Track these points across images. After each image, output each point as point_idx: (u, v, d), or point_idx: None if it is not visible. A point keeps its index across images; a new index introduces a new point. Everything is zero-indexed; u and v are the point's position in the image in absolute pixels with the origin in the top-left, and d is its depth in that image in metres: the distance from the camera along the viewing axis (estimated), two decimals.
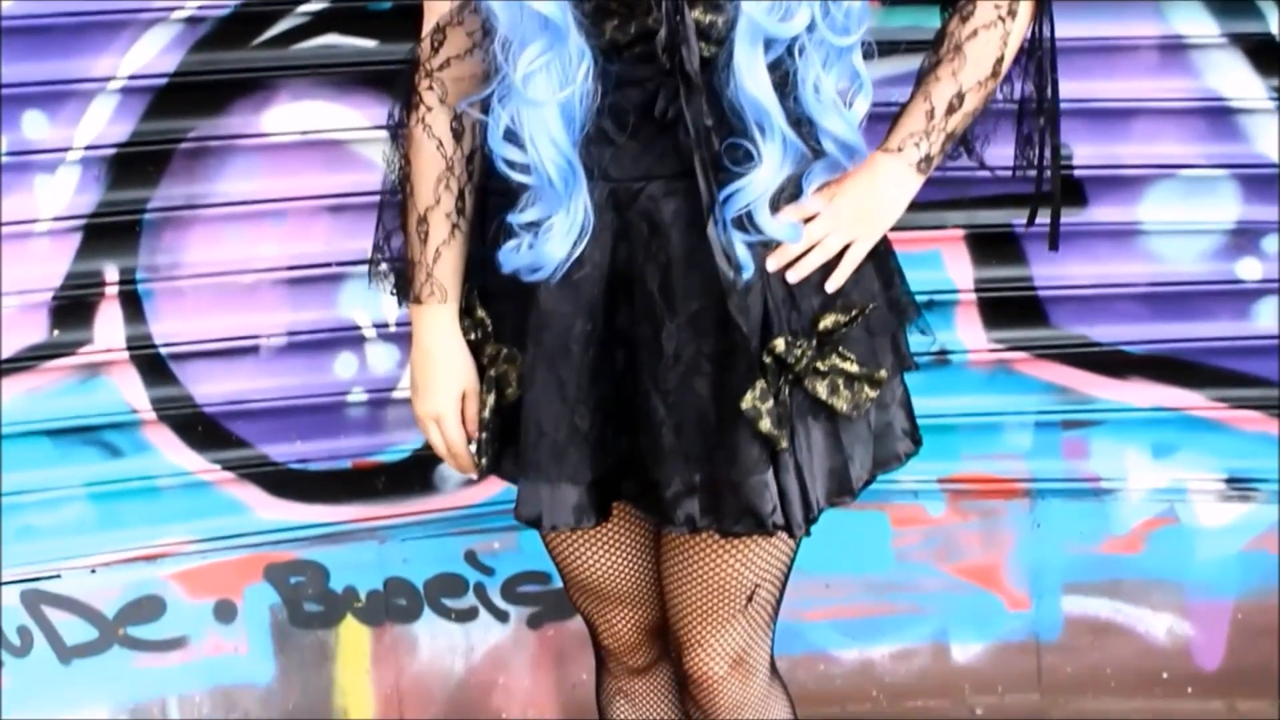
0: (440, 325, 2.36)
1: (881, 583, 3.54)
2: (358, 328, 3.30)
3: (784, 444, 2.22)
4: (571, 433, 2.30)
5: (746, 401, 2.21)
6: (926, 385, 3.20)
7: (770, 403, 2.21)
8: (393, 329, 3.30)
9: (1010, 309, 3.33)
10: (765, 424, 2.21)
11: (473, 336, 2.36)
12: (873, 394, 2.30)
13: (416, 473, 3.43)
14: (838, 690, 3.59)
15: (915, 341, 2.45)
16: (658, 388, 2.25)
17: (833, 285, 2.28)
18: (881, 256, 2.36)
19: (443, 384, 2.38)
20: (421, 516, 3.46)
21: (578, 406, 2.29)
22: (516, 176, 2.20)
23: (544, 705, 3.61)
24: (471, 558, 3.50)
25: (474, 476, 2.46)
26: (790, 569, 2.48)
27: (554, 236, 2.21)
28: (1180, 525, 3.46)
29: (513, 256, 2.24)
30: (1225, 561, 3.46)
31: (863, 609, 3.55)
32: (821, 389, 2.26)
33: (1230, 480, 3.43)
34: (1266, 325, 3.28)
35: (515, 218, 2.23)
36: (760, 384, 2.21)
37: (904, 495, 3.44)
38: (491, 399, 2.35)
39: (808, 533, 2.29)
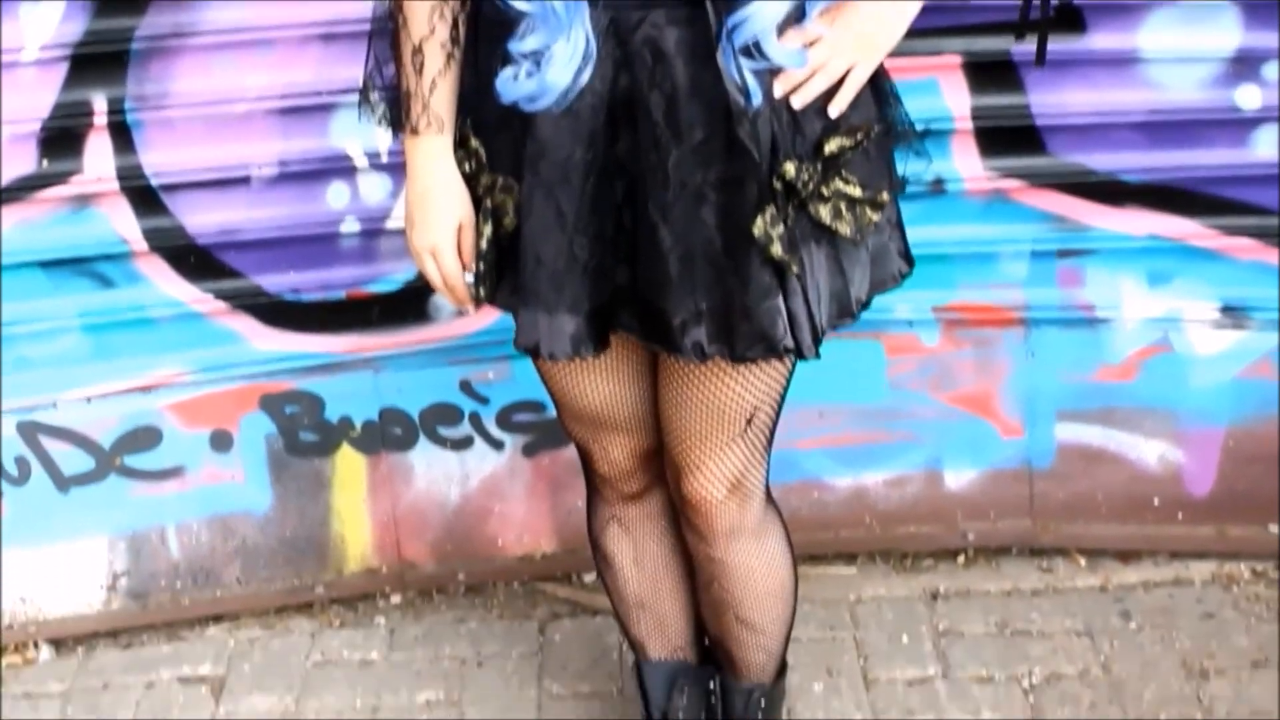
0: (436, 156, 2.35)
1: (876, 411, 3.56)
2: (349, 157, 3.27)
3: (795, 268, 2.24)
4: (570, 262, 2.30)
5: (758, 228, 2.22)
6: (922, 214, 3.20)
7: (780, 228, 2.22)
8: (385, 159, 3.27)
9: (1007, 137, 3.29)
10: (776, 249, 2.22)
11: (467, 168, 2.34)
12: (875, 217, 2.31)
13: (410, 303, 3.42)
14: (831, 517, 3.63)
15: (913, 169, 2.44)
16: (664, 217, 2.25)
17: (835, 109, 2.27)
18: (876, 81, 2.36)
19: (439, 216, 2.36)
20: (416, 346, 3.46)
21: (576, 236, 2.29)
22: (516, 4, 2.18)
23: (539, 533, 3.65)
24: (466, 387, 3.51)
25: (470, 309, 2.45)
26: (786, 392, 2.50)
27: (556, 64, 2.20)
28: (1174, 353, 3.46)
29: (512, 86, 2.23)
30: (1218, 389, 3.47)
31: (857, 437, 3.57)
32: (825, 213, 2.26)
33: (1225, 308, 3.42)
34: (1265, 154, 3.25)
35: (515, 46, 2.21)
36: (770, 210, 2.22)
37: (899, 324, 3.44)
38: (488, 230, 2.34)
39: (817, 355, 2.31)
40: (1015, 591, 3.54)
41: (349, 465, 3.56)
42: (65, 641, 3.56)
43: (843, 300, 2.35)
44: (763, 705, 2.81)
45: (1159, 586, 3.53)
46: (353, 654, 3.48)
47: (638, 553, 2.78)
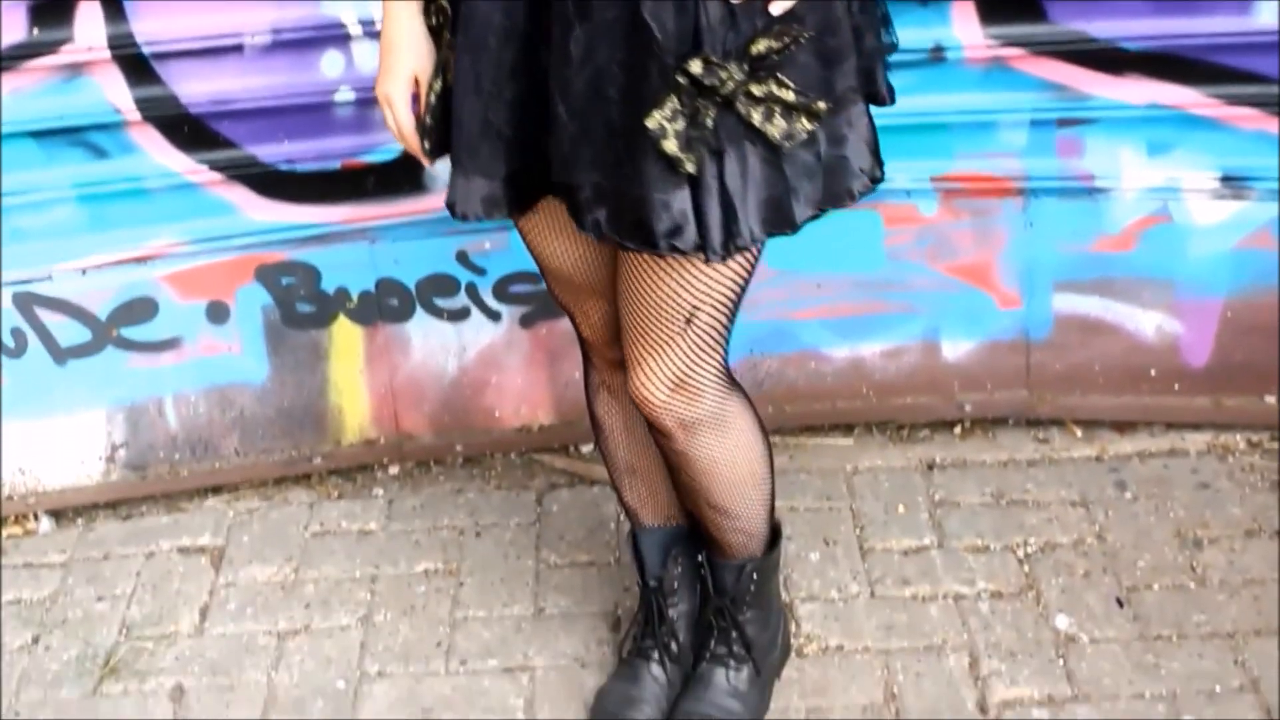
0: (401, 9, 2.39)
1: (873, 281, 3.55)
2: (343, 25, 3.24)
3: (689, 168, 2.21)
4: (484, 126, 2.32)
5: (653, 120, 2.20)
6: (921, 83, 3.18)
7: (680, 124, 2.19)
8: (379, 26, 3.23)
9: (1007, 4, 3.25)
10: (670, 145, 2.20)
11: (433, 21, 2.38)
12: (809, 125, 2.25)
13: (406, 173, 3.41)
14: (828, 388, 3.63)
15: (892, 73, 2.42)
16: (563, 93, 2.25)
17: (778, 8, 2.22)
18: None
19: (396, 67, 2.41)
20: (412, 217, 3.44)
21: (492, 102, 2.31)
22: None
23: (536, 404, 3.65)
24: (463, 258, 3.50)
25: (426, 162, 2.48)
26: (740, 294, 2.45)
27: None
28: (1173, 223, 3.45)
29: None
30: (1217, 259, 3.46)
31: (854, 307, 3.56)
32: (755, 115, 2.22)
33: (1225, 178, 3.40)
34: (1267, 21, 3.22)
35: None
36: (670, 103, 2.19)
37: (897, 194, 3.42)
38: (439, 85, 2.38)
39: (723, 258, 2.27)
40: (1011, 462, 3.55)
41: (346, 337, 3.55)
42: (65, 513, 3.58)
43: (782, 207, 2.29)
44: (755, 578, 2.82)
45: (1154, 457, 3.54)
46: (351, 525, 3.49)
47: (627, 419, 2.79)
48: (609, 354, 2.71)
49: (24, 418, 3.50)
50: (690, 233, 2.25)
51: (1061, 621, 3.07)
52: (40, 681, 3.08)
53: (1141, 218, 3.46)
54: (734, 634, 2.83)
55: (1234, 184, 3.42)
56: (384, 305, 3.53)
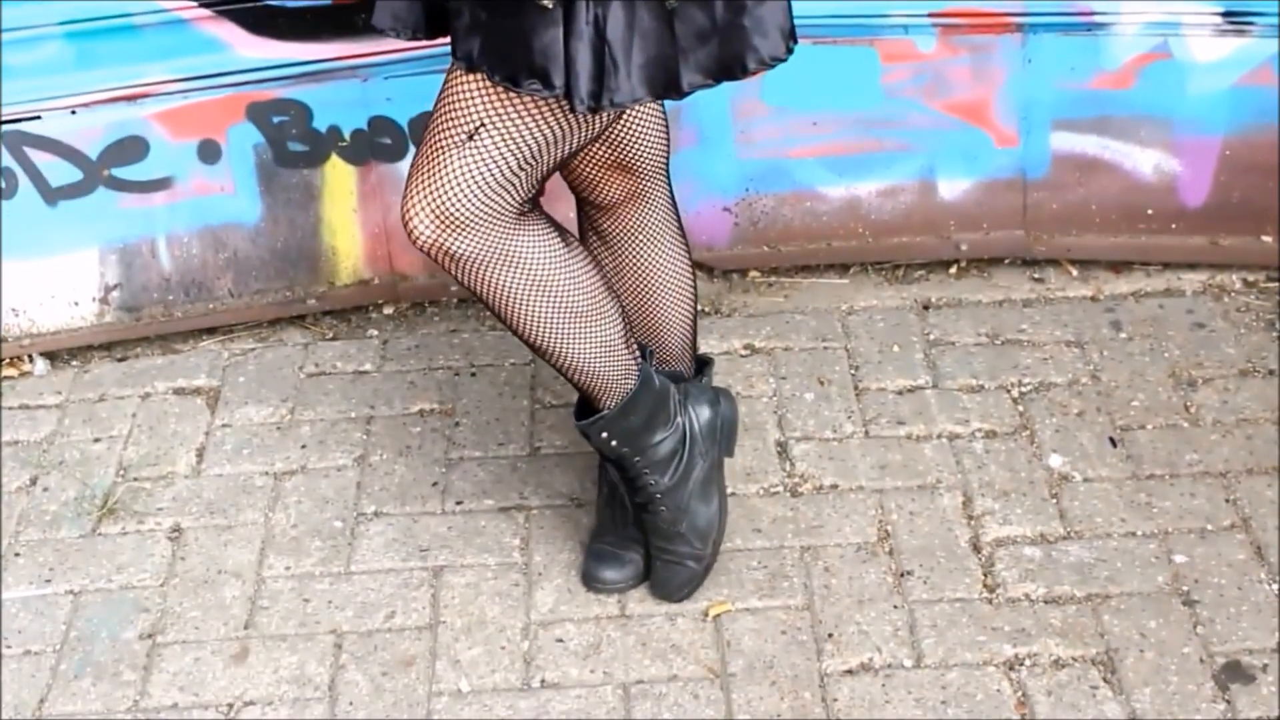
0: None
1: (869, 119, 3.52)
2: None
3: (547, 3, 2.16)
4: None
5: None
6: None
7: None
8: None
9: None
10: None
11: None
12: None
13: None
14: (824, 226, 3.61)
15: None
16: None
17: None
18: None
19: None
20: (404, 54, 3.39)
21: None
22: None
23: None
24: None
25: None
26: (555, 143, 2.35)
27: None
28: (1173, 60, 3.41)
29: None
30: (1216, 97, 3.43)
31: (850, 146, 3.54)
32: None
33: (1226, 14, 3.37)
34: None
35: None
36: None
37: (894, 30, 3.38)
38: None
39: (590, 109, 2.23)
40: (1006, 302, 3.55)
41: (338, 176, 3.53)
42: (59, 354, 3.57)
43: (669, 71, 2.25)
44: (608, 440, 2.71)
45: (1150, 296, 3.54)
46: (346, 365, 3.49)
47: (618, 264, 2.80)
48: (596, 198, 2.71)
49: (16, 259, 3.48)
50: (555, 76, 2.21)
51: (1055, 461, 3.08)
52: (39, 522, 3.09)
53: (1141, 54, 3.43)
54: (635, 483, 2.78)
55: (1235, 19, 3.38)
56: (376, 144, 3.50)
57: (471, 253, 2.41)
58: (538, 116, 2.31)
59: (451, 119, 2.34)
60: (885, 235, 3.63)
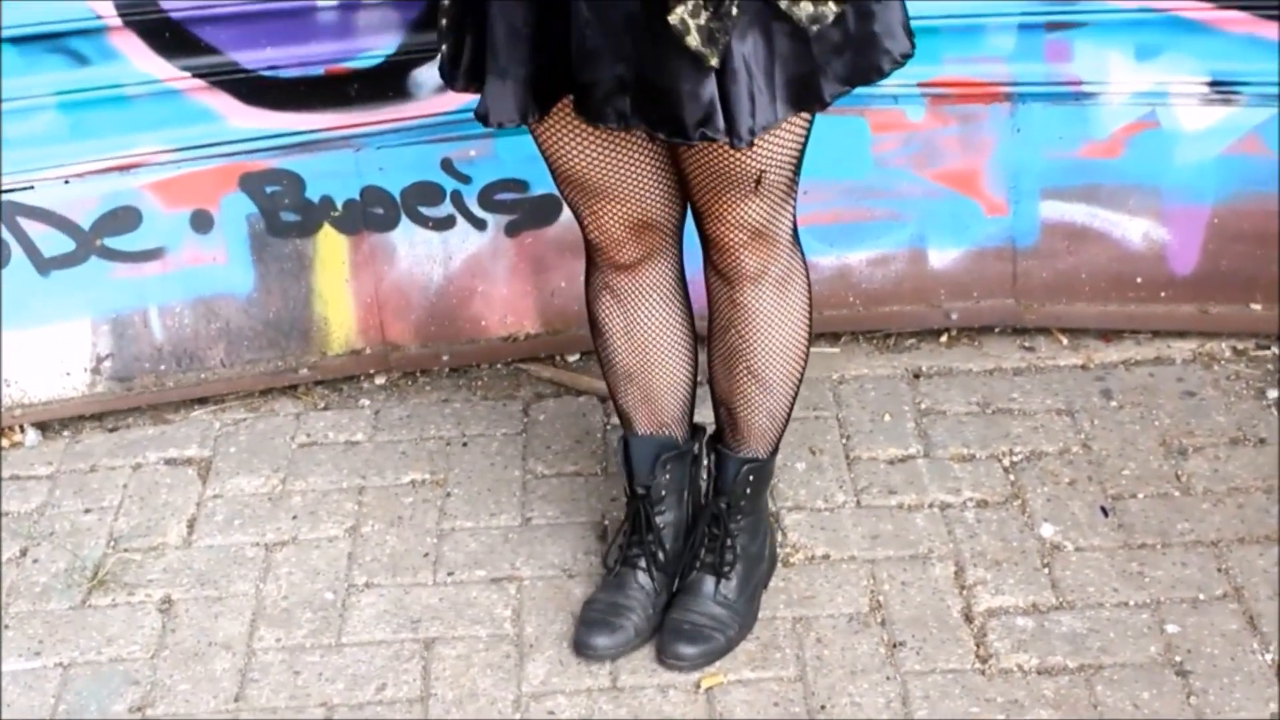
0: None
1: (860, 188, 3.54)
2: None
3: (713, 62, 2.22)
4: (509, 30, 2.33)
5: (674, 16, 2.20)
6: None
7: (703, 17, 2.19)
8: None
9: None
10: (693, 40, 2.21)
11: None
12: (835, 7, 2.27)
13: (390, 79, 3.38)
14: (815, 295, 3.56)
15: None
16: None
17: None
18: None
19: None
20: (396, 124, 3.42)
21: (512, 4, 2.32)
22: None
23: (523, 313, 3.64)
24: (448, 165, 3.48)
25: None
26: (803, 149, 2.51)
27: None
28: (1160, 129, 3.43)
29: None
30: (1204, 165, 3.45)
31: (841, 214, 3.55)
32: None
33: (1213, 83, 3.39)
34: None
35: None
36: None
37: (884, 100, 3.40)
38: None
39: (750, 143, 2.30)
40: (997, 370, 3.55)
41: (331, 245, 3.54)
42: (51, 425, 3.56)
43: (810, 85, 2.33)
44: (750, 480, 2.84)
45: (1140, 365, 3.54)
46: (338, 435, 3.49)
47: (628, 323, 2.79)
48: (618, 256, 2.70)
49: (9, 329, 3.48)
50: (719, 120, 2.28)
51: (1046, 530, 3.08)
52: (29, 594, 3.08)
53: (1129, 123, 3.45)
54: (726, 542, 2.84)
55: (1222, 89, 3.40)
56: (369, 214, 3.52)
57: (768, 270, 2.66)
58: (780, 140, 2.44)
59: (734, 177, 2.46)
60: (876, 304, 3.64)
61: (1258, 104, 3.38)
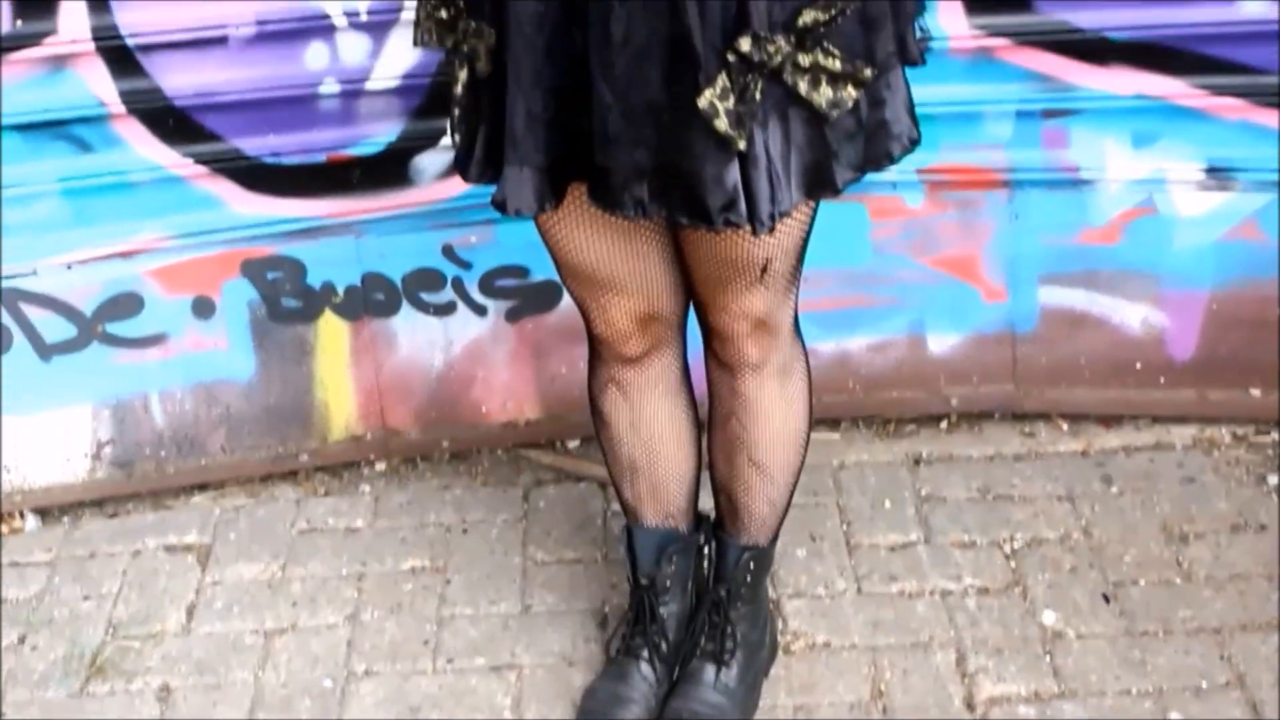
0: None
1: (859, 274, 3.54)
2: (328, 16, 3.23)
3: (740, 145, 2.22)
4: (527, 117, 2.30)
5: (704, 99, 2.19)
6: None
7: (730, 101, 2.19)
8: (364, 18, 3.23)
9: None
10: (721, 124, 2.20)
11: (443, 14, 2.35)
12: (855, 93, 2.28)
13: (392, 166, 3.39)
14: (815, 382, 3.58)
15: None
16: (605, 74, 2.23)
17: None
18: None
19: None
20: (397, 211, 3.43)
21: (531, 90, 2.29)
22: None
23: (523, 399, 3.64)
24: (449, 252, 3.49)
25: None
26: (807, 237, 2.53)
27: None
28: (1158, 215, 3.44)
29: None
30: (1202, 251, 3.46)
31: (840, 301, 3.56)
32: (802, 84, 2.24)
33: (1210, 169, 3.40)
34: (1252, 11, 3.21)
35: None
36: (721, 81, 2.19)
37: (882, 186, 3.41)
38: (463, 75, 2.37)
39: (770, 228, 2.30)
40: (997, 456, 3.55)
41: (332, 332, 3.54)
42: (51, 511, 3.56)
43: (824, 171, 2.33)
44: (751, 568, 2.83)
45: (1140, 451, 3.54)
46: (338, 521, 3.49)
47: (634, 417, 2.78)
48: (624, 350, 2.70)
49: (10, 415, 3.48)
50: (742, 206, 2.27)
51: (1048, 617, 3.07)
52: (27, 681, 3.07)
53: (1126, 209, 3.46)
54: (726, 629, 2.83)
55: (1219, 175, 3.41)
56: (370, 300, 3.52)
57: (770, 359, 2.68)
58: (786, 230, 2.47)
59: (739, 268, 2.49)
60: (875, 390, 3.65)
61: (1255, 190, 3.40)
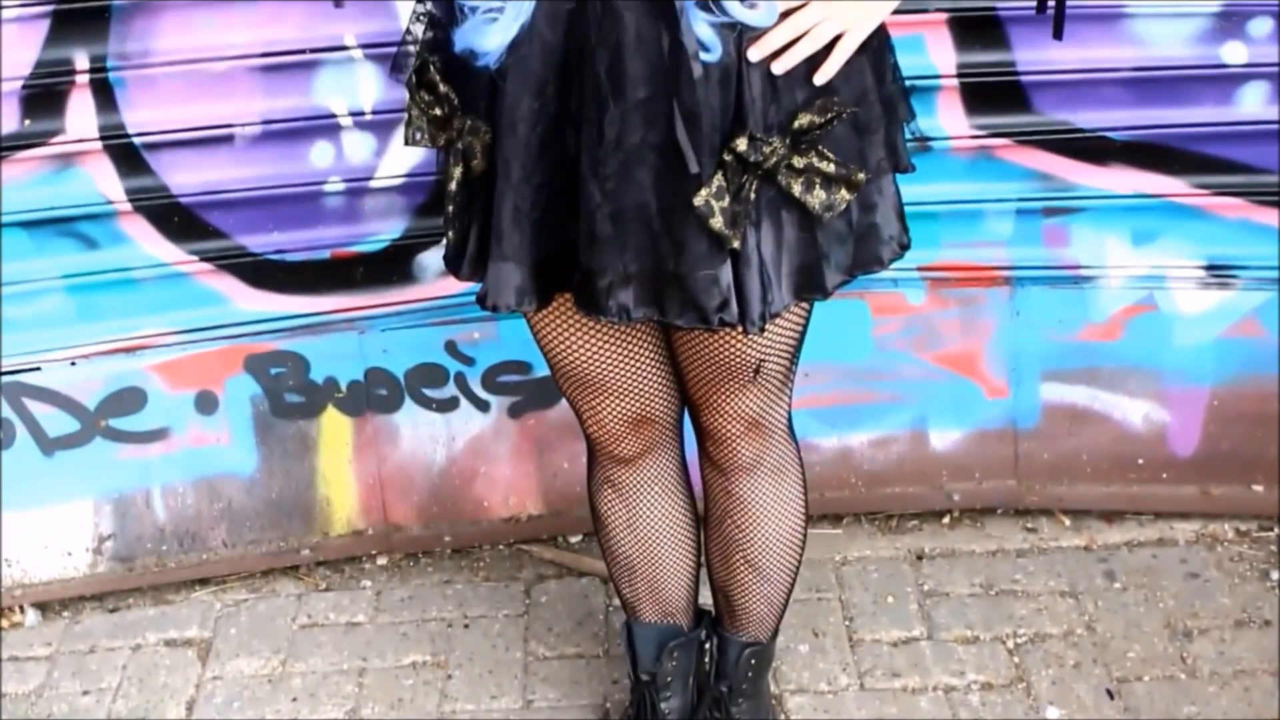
0: None
1: (861, 371, 3.55)
2: (333, 115, 3.26)
3: (735, 243, 2.22)
4: (515, 214, 2.29)
5: (700, 198, 2.20)
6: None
7: (726, 201, 2.20)
8: (369, 116, 3.26)
9: (992, 94, 3.28)
10: (717, 222, 2.20)
11: (437, 111, 2.35)
12: (848, 196, 2.28)
13: (395, 262, 3.42)
14: (817, 477, 3.60)
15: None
16: (595, 174, 2.23)
17: (821, 78, 2.23)
18: (876, 50, 2.32)
19: None
20: (401, 307, 3.45)
21: (521, 186, 2.28)
22: None
23: (525, 494, 3.64)
24: (451, 348, 3.50)
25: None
26: (801, 338, 2.53)
27: (497, 26, 2.21)
28: (1158, 312, 3.46)
29: (462, 37, 2.26)
30: (1203, 348, 3.48)
31: (842, 397, 3.57)
32: (796, 186, 2.24)
33: (1210, 267, 3.43)
34: (1250, 110, 3.25)
35: (469, 1, 2.25)
36: (717, 180, 2.20)
37: (884, 283, 3.43)
38: (458, 172, 2.35)
39: (760, 329, 2.29)
40: (1000, 552, 3.54)
41: (334, 427, 3.55)
42: (51, 605, 3.55)
43: (813, 274, 2.33)
44: (752, 664, 2.82)
45: (1143, 546, 3.54)
46: (339, 616, 3.48)
47: (630, 516, 2.77)
48: (617, 450, 2.69)
49: (11, 509, 3.48)
50: (734, 306, 2.27)
51: (1052, 713, 3.05)
52: None
53: (1127, 306, 3.48)
54: None
55: (1219, 272, 3.43)
56: (372, 395, 3.53)
57: (763, 459, 2.66)
58: (779, 330, 2.47)
59: (733, 368, 2.48)
60: (878, 485, 3.65)
61: (1255, 287, 3.42)
